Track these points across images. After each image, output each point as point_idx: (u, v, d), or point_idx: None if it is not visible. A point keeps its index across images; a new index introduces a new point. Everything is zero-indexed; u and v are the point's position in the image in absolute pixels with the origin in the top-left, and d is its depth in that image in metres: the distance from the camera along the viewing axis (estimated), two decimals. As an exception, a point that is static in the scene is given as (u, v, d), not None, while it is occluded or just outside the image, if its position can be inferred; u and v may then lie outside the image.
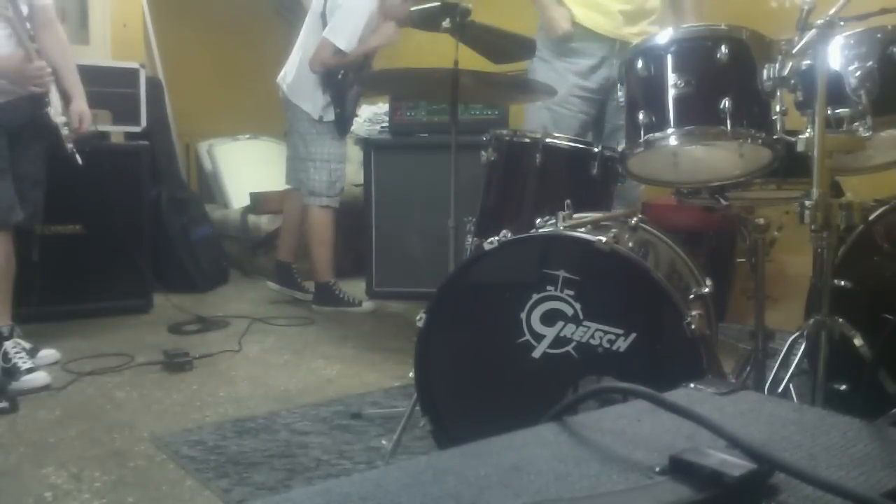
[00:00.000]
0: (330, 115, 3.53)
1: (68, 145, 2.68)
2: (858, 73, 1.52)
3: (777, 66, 1.57)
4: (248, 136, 5.47)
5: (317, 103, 3.52)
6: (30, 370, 2.52)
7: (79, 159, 2.70)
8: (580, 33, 2.71)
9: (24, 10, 2.60)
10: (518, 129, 2.16)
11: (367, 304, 3.72)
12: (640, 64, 1.71)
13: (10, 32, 2.54)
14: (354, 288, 3.85)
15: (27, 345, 2.72)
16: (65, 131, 2.68)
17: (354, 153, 4.54)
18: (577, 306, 1.49)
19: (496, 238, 1.60)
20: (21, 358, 2.55)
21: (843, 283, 1.77)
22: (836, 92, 1.53)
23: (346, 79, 3.48)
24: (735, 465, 0.59)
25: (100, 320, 3.37)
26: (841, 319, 1.58)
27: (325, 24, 3.46)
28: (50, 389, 2.49)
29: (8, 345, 2.57)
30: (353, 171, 4.55)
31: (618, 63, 2.67)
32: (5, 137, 2.57)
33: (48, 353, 2.79)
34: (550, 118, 2.71)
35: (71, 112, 2.66)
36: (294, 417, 2.25)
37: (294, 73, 3.58)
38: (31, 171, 2.69)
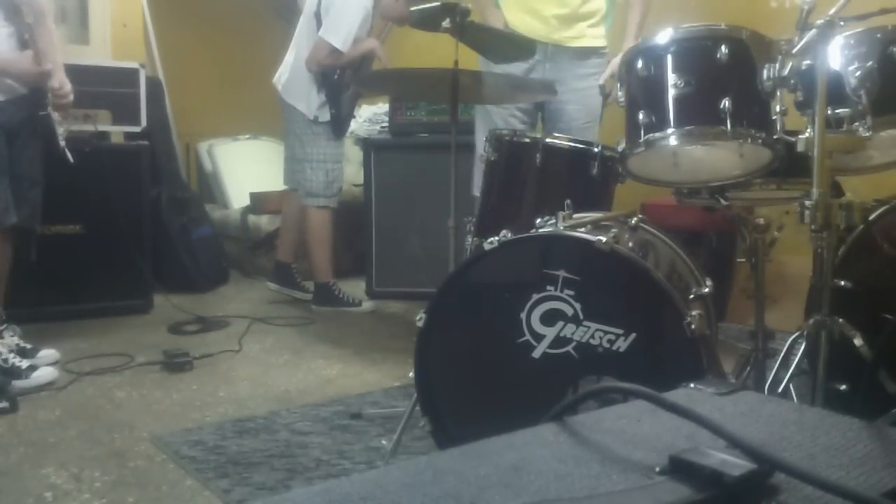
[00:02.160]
0: (325, 116, 3.53)
1: (60, 143, 2.67)
2: (858, 73, 1.52)
3: (777, 66, 1.57)
4: (248, 136, 5.47)
5: (311, 104, 3.52)
6: (32, 367, 2.52)
7: (70, 157, 2.70)
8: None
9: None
10: (518, 129, 2.16)
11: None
12: (640, 64, 1.71)
13: (12, 31, 2.53)
14: (354, 288, 3.85)
15: (27, 344, 2.72)
16: (59, 130, 2.68)
17: (354, 153, 4.55)
18: (577, 306, 1.49)
19: (496, 238, 1.60)
20: (16, 357, 2.54)
21: (843, 283, 1.77)
22: (836, 92, 1.53)
23: (342, 79, 3.48)
24: (735, 465, 0.59)
25: (100, 320, 3.36)
26: (841, 319, 1.58)
27: (318, 24, 3.45)
28: (50, 389, 2.49)
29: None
30: (353, 171, 4.55)
31: (550, 66, 2.66)
32: (3, 137, 2.56)
33: (48, 353, 2.78)
34: (495, 126, 2.71)
35: (51, 86, 2.63)
36: (294, 417, 2.25)
37: (288, 73, 3.58)
38: (30, 170, 2.69)
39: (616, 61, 2.65)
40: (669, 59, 1.66)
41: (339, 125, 3.57)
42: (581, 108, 2.68)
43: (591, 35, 2.69)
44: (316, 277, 3.71)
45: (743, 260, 1.94)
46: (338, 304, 3.69)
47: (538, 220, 1.78)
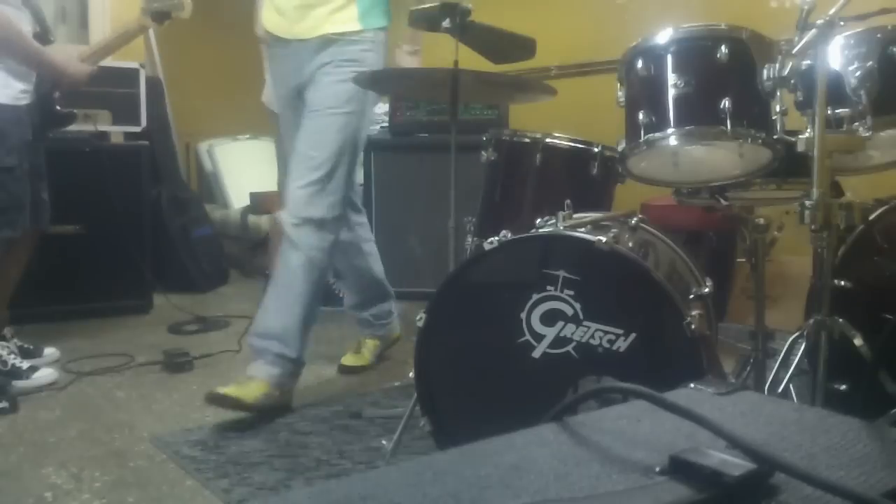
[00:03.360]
0: None
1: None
2: (858, 73, 1.52)
3: (777, 66, 1.57)
4: (248, 136, 5.47)
5: None
6: (33, 368, 2.53)
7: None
8: (271, 39, 2.53)
9: None
10: (518, 129, 2.16)
11: None
12: (640, 64, 1.71)
13: (37, 32, 2.52)
14: (354, 288, 3.83)
15: (29, 345, 2.73)
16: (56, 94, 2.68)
17: (354, 153, 4.52)
18: (577, 306, 1.49)
19: (496, 238, 1.60)
20: (16, 359, 2.54)
21: (843, 283, 1.77)
22: (836, 92, 1.53)
23: None
24: (735, 465, 0.59)
25: (100, 320, 3.37)
26: (841, 319, 1.58)
27: None
28: (50, 389, 2.50)
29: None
30: (353, 171, 4.54)
31: (296, 64, 2.40)
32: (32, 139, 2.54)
33: (49, 353, 2.79)
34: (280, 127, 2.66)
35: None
36: (294, 417, 2.25)
37: (267, 81, 3.55)
38: (42, 171, 2.68)
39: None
40: (669, 59, 1.66)
41: None
42: (317, 94, 2.39)
43: (334, 21, 2.37)
44: None
45: (743, 260, 1.94)
46: (334, 303, 3.69)
47: (538, 220, 1.78)
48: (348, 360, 2.77)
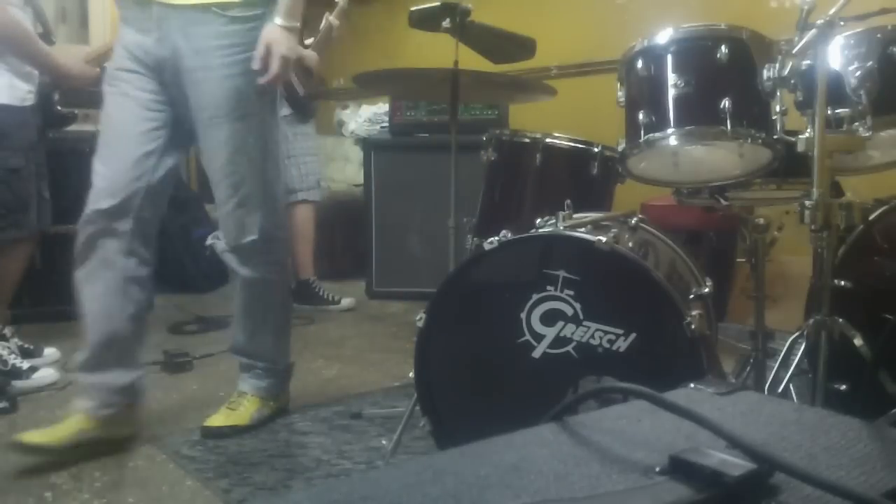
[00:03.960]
0: (283, 109, 3.31)
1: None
2: (858, 73, 1.52)
3: (777, 66, 1.57)
4: (247, 135, 5.45)
5: None
6: (33, 368, 2.52)
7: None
8: None
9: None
10: (518, 129, 2.16)
11: (346, 301, 3.71)
12: (639, 64, 1.71)
13: (41, 32, 2.52)
14: (354, 288, 3.84)
15: (30, 345, 2.72)
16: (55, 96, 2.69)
17: (354, 153, 4.54)
18: (577, 306, 1.49)
19: (496, 238, 1.60)
20: (17, 358, 2.54)
21: (843, 283, 1.77)
22: (836, 92, 1.53)
23: None
24: (735, 465, 0.59)
25: (100, 320, 3.36)
26: (841, 319, 1.58)
27: None
28: (50, 389, 2.50)
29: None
30: (353, 171, 4.55)
31: (159, 37, 1.90)
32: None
33: (49, 353, 2.79)
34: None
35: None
36: (294, 417, 2.25)
37: None
38: (43, 171, 2.69)
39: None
40: (669, 58, 1.66)
41: (300, 110, 3.41)
42: (208, 98, 1.94)
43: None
44: (297, 274, 3.67)
45: (743, 260, 1.94)
46: (317, 301, 3.68)
47: (538, 220, 1.78)
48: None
